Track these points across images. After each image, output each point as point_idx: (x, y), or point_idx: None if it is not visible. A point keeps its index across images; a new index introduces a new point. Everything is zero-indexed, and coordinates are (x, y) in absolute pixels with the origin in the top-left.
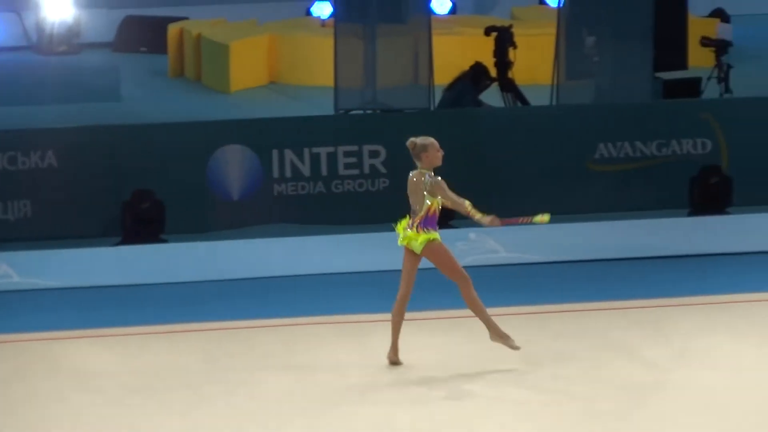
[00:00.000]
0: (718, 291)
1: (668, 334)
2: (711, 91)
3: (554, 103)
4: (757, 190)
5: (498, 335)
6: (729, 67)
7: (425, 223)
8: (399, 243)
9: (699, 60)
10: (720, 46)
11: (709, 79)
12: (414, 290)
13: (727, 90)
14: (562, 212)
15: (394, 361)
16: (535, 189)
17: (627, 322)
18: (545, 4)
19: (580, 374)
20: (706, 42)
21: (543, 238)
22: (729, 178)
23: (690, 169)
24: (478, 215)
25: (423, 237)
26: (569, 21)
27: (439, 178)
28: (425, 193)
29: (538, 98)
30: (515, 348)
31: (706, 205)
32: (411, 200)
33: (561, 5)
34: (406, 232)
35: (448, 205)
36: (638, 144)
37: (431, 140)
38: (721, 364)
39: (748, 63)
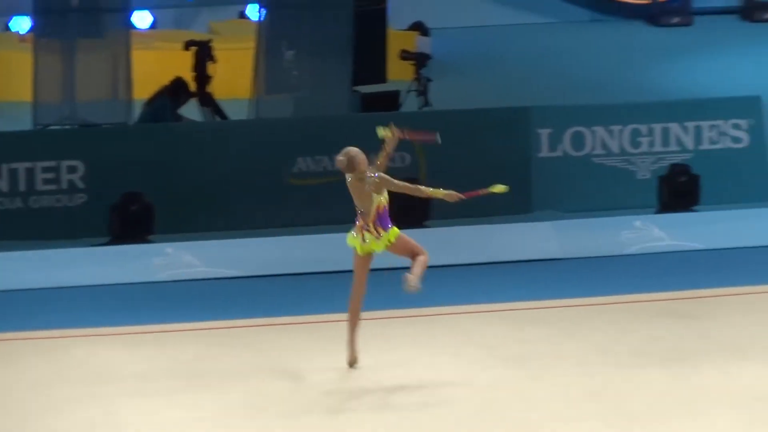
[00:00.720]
0: (418, 304)
1: (368, 345)
2: (410, 104)
3: (253, 116)
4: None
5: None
6: (428, 80)
7: (380, 222)
8: (360, 252)
9: (398, 73)
10: (419, 60)
11: (408, 92)
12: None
13: (427, 103)
14: (263, 226)
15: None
16: (235, 203)
17: (334, 333)
18: (245, 18)
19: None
20: (405, 55)
21: (241, 252)
22: None
23: None
24: (439, 193)
25: (385, 238)
26: (268, 35)
27: (382, 173)
28: (372, 193)
29: (237, 112)
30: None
31: (406, 219)
32: (357, 203)
33: (260, 20)
34: (364, 238)
35: (407, 192)
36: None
37: (353, 150)
38: (417, 375)
39: (447, 76)
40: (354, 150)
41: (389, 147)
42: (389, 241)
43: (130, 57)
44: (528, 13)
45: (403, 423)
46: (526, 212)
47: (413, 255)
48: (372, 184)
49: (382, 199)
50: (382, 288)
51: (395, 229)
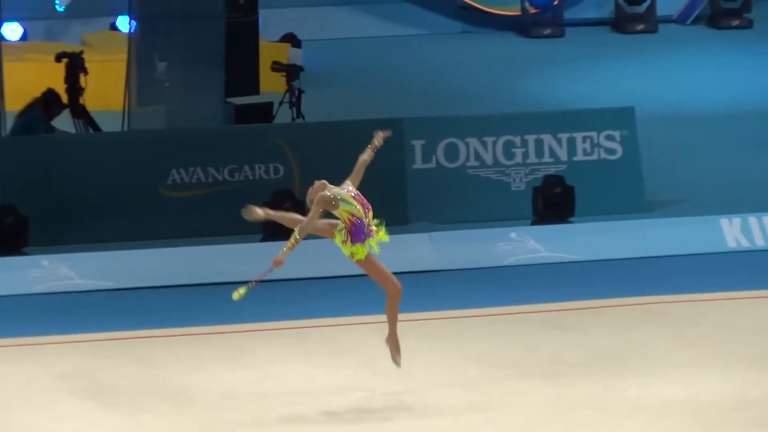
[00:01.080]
0: (293, 316)
1: (244, 358)
2: (283, 115)
3: (126, 128)
4: (328, 214)
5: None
6: (300, 91)
7: (354, 238)
8: (353, 261)
9: (271, 85)
10: (291, 71)
11: (281, 103)
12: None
13: (299, 115)
14: (136, 238)
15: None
16: (109, 215)
17: (207, 346)
18: (116, 29)
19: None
20: (277, 67)
21: (116, 264)
22: (302, 203)
23: (263, 194)
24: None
25: (361, 250)
26: (140, 47)
27: (326, 192)
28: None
29: (110, 124)
30: (396, 363)
31: (280, 230)
32: None
33: (131, 31)
34: (348, 249)
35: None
36: (210, 169)
37: (314, 186)
38: (295, 388)
39: (320, 88)
40: (314, 186)
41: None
42: (366, 252)
43: (1, 69)
44: (400, 24)
45: None
46: (401, 224)
47: (382, 282)
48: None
49: (344, 213)
50: (257, 300)
51: (361, 249)
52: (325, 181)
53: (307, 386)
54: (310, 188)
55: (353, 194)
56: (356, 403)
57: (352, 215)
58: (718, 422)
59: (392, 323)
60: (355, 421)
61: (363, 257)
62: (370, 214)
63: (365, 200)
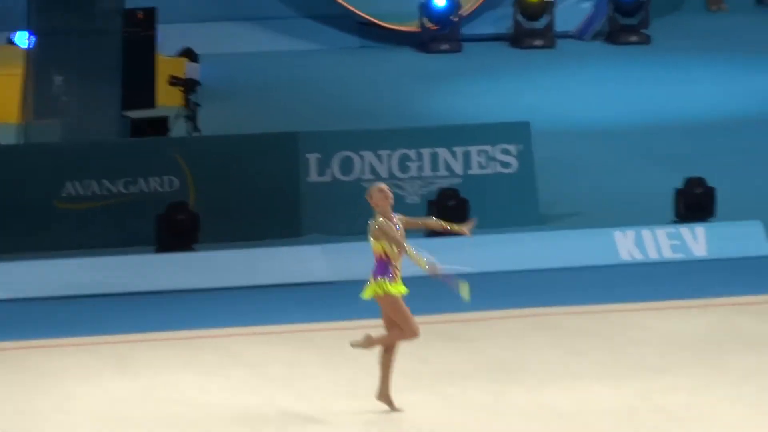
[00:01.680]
0: (185, 326)
1: (135, 367)
2: (179, 129)
3: (22, 141)
4: (222, 226)
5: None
6: (197, 105)
7: (377, 271)
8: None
9: (168, 99)
10: (188, 85)
11: (177, 117)
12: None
13: (195, 128)
14: (29, 249)
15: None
16: (3, 226)
17: (94, 357)
18: (13, 44)
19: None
20: (174, 81)
21: (9, 276)
22: (196, 215)
23: (157, 207)
24: (421, 262)
25: (371, 288)
26: (37, 61)
27: (382, 219)
28: (372, 237)
29: (6, 137)
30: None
31: (173, 242)
32: None
33: (29, 46)
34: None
35: (401, 251)
36: (105, 182)
37: (376, 185)
38: (187, 396)
39: (217, 102)
40: (376, 185)
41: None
42: (375, 292)
43: None
44: (299, 40)
45: None
46: (295, 236)
47: (391, 326)
48: (371, 227)
49: (380, 246)
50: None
51: (389, 286)
52: (385, 188)
53: (200, 394)
54: (376, 190)
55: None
56: (249, 410)
57: (385, 253)
58: (605, 429)
59: (386, 372)
60: (250, 428)
61: (382, 294)
62: (401, 259)
63: (405, 245)
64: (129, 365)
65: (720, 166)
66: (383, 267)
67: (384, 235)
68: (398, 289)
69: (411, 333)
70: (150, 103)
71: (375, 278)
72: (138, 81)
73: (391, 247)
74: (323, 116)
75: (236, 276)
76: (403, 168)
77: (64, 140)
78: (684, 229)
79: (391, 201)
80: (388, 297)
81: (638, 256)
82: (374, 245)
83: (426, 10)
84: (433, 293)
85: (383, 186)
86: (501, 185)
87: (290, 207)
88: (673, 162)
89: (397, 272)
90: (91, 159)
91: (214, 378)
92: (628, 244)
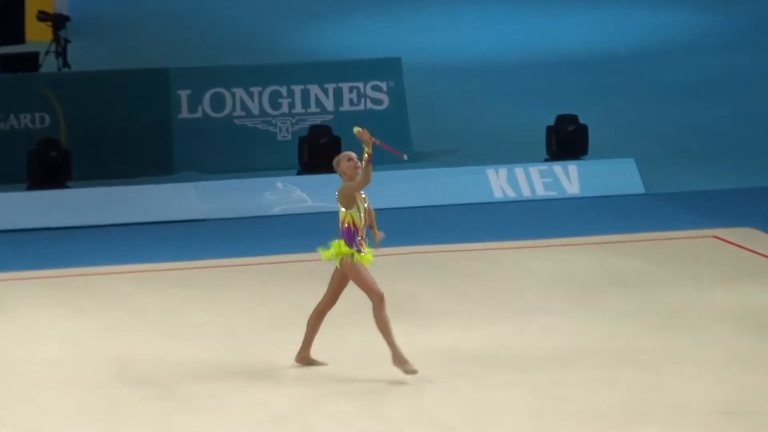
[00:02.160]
0: (58, 265)
1: (10, 308)
2: (50, 65)
3: None
4: (95, 163)
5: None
6: (67, 41)
7: (344, 237)
8: (336, 260)
9: (37, 34)
10: (57, 21)
11: (47, 53)
12: None
13: (66, 64)
14: None
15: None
16: None
17: None
18: None
19: None
20: (43, 16)
21: None
22: (68, 152)
23: (28, 143)
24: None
25: (337, 252)
26: None
27: (351, 184)
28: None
29: None
30: (412, 372)
31: (45, 179)
32: None
33: None
34: (339, 248)
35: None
36: None
37: (345, 154)
38: (65, 337)
39: (87, 37)
40: (344, 153)
41: (365, 154)
42: (343, 257)
43: None
44: None
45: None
46: (167, 173)
47: (364, 290)
48: (338, 196)
49: (348, 215)
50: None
51: (359, 255)
52: (354, 156)
53: (75, 333)
54: (345, 158)
55: (366, 204)
56: (124, 351)
57: (354, 222)
58: (478, 371)
59: (388, 337)
60: (121, 366)
61: (350, 262)
62: (364, 229)
63: (371, 216)
64: (2, 304)
65: (592, 103)
66: (349, 237)
67: (347, 189)
68: (366, 258)
69: (377, 297)
70: (19, 38)
71: (346, 245)
72: (6, 16)
73: (360, 214)
74: (194, 52)
75: (109, 213)
76: (275, 105)
77: None
78: (557, 167)
79: (360, 170)
80: (356, 265)
81: (511, 194)
82: (343, 215)
83: None
84: (304, 232)
85: (352, 154)
86: (373, 122)
87: (162, 144)
88: (545, 99)
89: (363, 242)
90: None
91: (90, 317)
92: (501, 182)
